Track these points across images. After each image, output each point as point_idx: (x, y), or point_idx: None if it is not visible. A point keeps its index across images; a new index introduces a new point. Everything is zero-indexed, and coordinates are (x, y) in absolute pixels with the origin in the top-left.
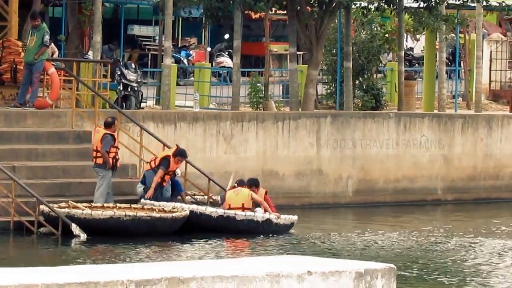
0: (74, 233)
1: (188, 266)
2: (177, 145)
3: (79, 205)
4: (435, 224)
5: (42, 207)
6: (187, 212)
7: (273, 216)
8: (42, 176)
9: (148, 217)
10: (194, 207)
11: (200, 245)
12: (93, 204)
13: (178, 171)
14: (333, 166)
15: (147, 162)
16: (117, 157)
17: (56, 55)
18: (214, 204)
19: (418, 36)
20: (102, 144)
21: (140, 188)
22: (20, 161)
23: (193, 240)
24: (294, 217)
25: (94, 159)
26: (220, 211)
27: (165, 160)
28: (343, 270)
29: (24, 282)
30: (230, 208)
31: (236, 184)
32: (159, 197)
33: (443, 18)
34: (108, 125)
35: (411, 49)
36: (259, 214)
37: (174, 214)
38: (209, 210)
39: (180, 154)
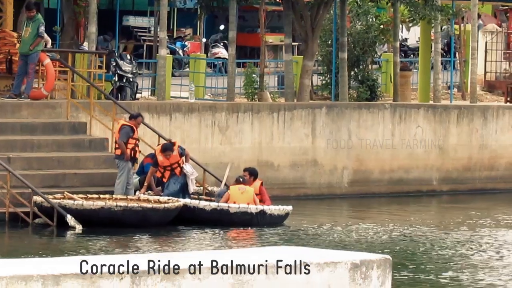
0: (70, 224)
1: (184, 257)
2: (169, 140)
3: (74, 196)
4: (430, 214)
5: (35, 198)
6: (181, 203)
7: (266, 207)
8: (37, 167)
9: (139, 208)
10: (187, 201)
11: (196, 236)
12: (89, 195)
13: (189, 169)
14: (329, 157)
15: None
16: (136, 148)
17: (49, 45)
18: (209, 194)
19: (410, 25)
20: (120, 135)
21: (135, 179)
22: (15, 152)
23: (188, 231)
24: (288, 208)
25: (115, 150)
26: (213, 204)
27: (153, 157)
28: (338, 261)
29: (19, 273)
30: None
31: (241, 179)
32: (160, 194)
33: (438, 8)
34: (130, 117)
35: (404, 39)
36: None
37: (166, 205)
38: (202, 203)
39: (164, 148)
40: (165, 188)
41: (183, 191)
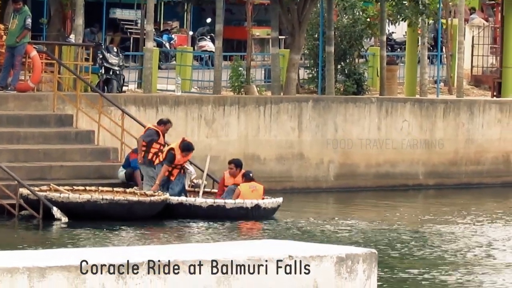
0: (55, 216)
1: (169, 250)
2: (183, 138)
3: (60, 188)
4: (417, 209)
5: (21, 190)
6: (166, 196)
7: (261, 201)
8: (23, 159)
9: (125, 201)
10: (183, 198)
11: (183, 229)
12: (75, 188)
13: (191, 168)
14: (315, 151)
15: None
16: (159, 153)
17: None
18: (195, 187)
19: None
20: (143, 134)
21: (121, 172)
22: (1, 144)
23: (176, 224)
24: (279, 199)
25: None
26: (209, 201)
27: (169, 154)
28: (324, 255)
29: (5, 266)
30: None
31: (250, 176)
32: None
33: (421, 11)
34: (159, 122)
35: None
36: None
37: (152, 198)
38: (198, 201)
39: (186, 148)
40: (170, 188)
41: (184, 190)
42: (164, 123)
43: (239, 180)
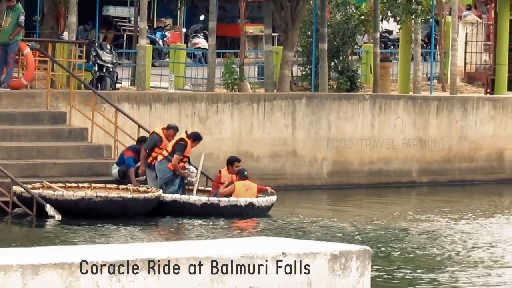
0: (49, 214)
1: (163, 247)
2: (186, 131)
3: (53, 185)
4: (410, 206)
5: (15, 187)
6: (160, 193)
7: (255, 199)
8: (16, 157)
9: (119, 198)
10: (177, 196)
11: (177, 226)
12: (68, 185)
13: (194, 169)
14: (308, 148)
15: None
16: (158, 158)
17: None
18: (188, 184)
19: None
20: (146, 143)
21: (115, 169)
22: None
23: (170, 221)
24: (274, 197)
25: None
26: (203, 198)
27: (179, 145)
28: (318, 252)
29: None
30: None
31: (245, 173)
32: (169, 188)
33: (413, 10)
34: (167, 127)
35: (387, 31)
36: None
37: (146, 195)
38: (192, 198)
39: (196, 137)
40: (173, 184)
41: (183, 186)
42: (167, 129)
43: (234, 179)
